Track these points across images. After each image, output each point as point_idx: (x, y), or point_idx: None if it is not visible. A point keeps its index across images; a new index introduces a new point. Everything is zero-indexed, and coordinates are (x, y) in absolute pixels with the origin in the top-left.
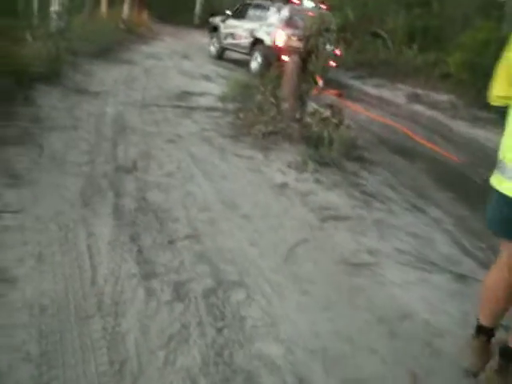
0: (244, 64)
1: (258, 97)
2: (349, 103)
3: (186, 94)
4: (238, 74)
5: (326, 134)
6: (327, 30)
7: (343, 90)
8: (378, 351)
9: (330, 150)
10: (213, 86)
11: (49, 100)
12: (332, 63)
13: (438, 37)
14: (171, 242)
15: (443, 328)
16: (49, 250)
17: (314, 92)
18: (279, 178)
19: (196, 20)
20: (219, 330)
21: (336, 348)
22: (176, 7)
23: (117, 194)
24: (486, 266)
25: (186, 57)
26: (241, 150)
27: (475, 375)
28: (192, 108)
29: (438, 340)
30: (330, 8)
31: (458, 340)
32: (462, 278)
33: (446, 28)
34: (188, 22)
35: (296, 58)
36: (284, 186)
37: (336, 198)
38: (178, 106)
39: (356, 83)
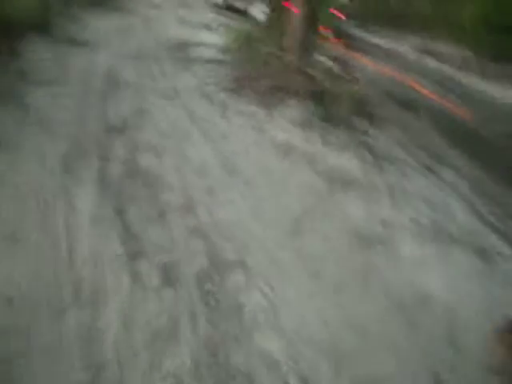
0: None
1: (263, 48)
2: (357, 55)
3: (185, 45)
4: (241, 23)
5: (335, 90)
6: None
7: (351, 41)
8: (395, 346)
9: (338, 107)
10: (214, 37)
11: (37, 52)
12: (341, 15)
13: None
14: (162, 215)
15: (467, 316)
16: (23, 228)
17: (320, 41)
18: (284, 138)
19: None
20: (214, 324)
21: (347, 341)
22: None
23: (104, 158)
24: (505, 237)
25: (186, 5)
26: (243, 106)
27: (502, 373)
28: (192, 60)
29: (461, 332)
30: None
31: (485, 332)
32: (483, 252)
33: None
34: None
35: (302, 4)
36: (289, 146)
37: (345, 161)
38: (177, 58)
39: (365, 35)
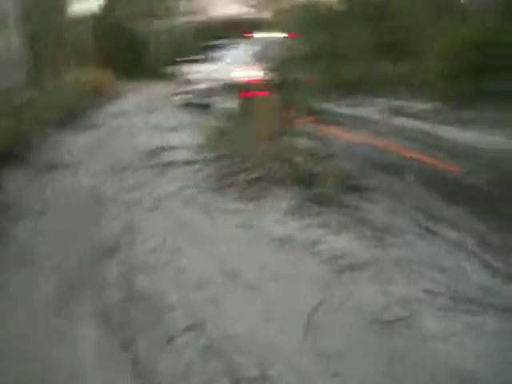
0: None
1: (237, 141)
2: (328, 128)
3: (158, 150)
4: (210, 120)
5: (318, 170)
6: (297, 58)
7: (319, 115)
8: None
9: (324, 187)
10: (184, 137)
11: (17, 181)
12: (307, 90)
13: (407, 46)
14: (171, 340)
15: None
16: None
17: (291, 121)
18: (279, 230)
19: (157, 70)
20: None
21: None
22: (135, 61)
23: (98, 287)
24: None
25: (152, 110)
26: (228, 204)
27: None
28: (167, 164)
29: None
30: (296, 35)
31: None
32: (510, 312)
33: (414, 37)
34: (149, 74)
35: (271, 92)
36: (286, 238)
37: (346, 242)
38: (153, 165)
39: (332, 105)
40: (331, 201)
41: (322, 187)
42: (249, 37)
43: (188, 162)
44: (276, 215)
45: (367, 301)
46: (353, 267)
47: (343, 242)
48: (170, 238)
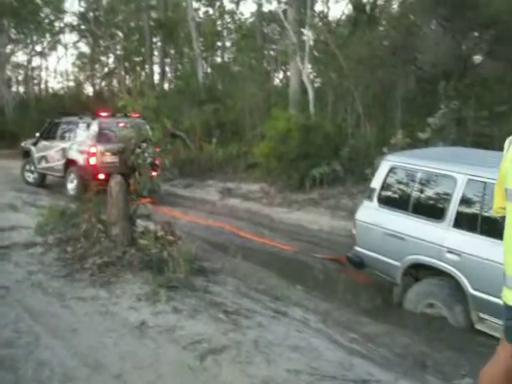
0: (60, 187)
1: (83, 225)
2: (165, 209)
3: None
4: (53, 200)
5: (166, 254)
6: (144, 141)
7: (158, 196)
8: None
9: (175, 272)
10: (23, 217)
11: None
12: (153, 173)
13: (236, 129)
14: None
15: None
16: None
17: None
18: (134, 317)
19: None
20: None
21: None
22: None
23: None
24: (373, 360)
25: None
26: (81, 290)
27: None
28: (8, 247)
29: None
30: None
31: None
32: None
33: (242, 120)
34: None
35: (119, 177)
36: (143, 324)
37: (203, 326)
38: None
39: (165, 187)
40: (182, 285)
41: (171, 271)
42: (100, 116)
43: (31, 245)
44: (130, 301)
45: (234, 383)
46: (213, 351)
47: (200, 326)
48: (24, 329)
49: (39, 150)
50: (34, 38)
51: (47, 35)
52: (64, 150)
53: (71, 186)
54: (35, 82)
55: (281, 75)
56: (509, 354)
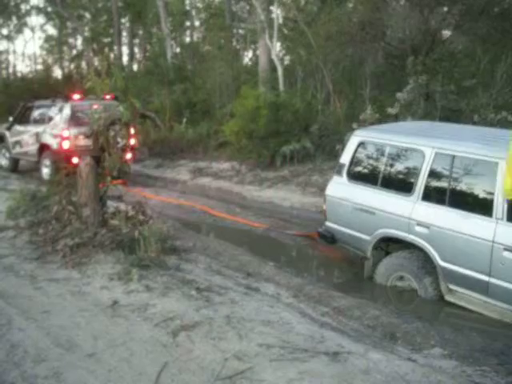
0: (32, 172)
1: (54, 207)
2: (136, 190)
3: None
4: (23, 184)
5: (137, 234)
6: (114, 122)
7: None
8: None
9: (146, 251)
10: None
11: None
12: (128, 156)
13: (206, 109)
14: None
15: None
16: None
17: (105, 184)
18: (107, 296)
19: None
20: None
21: None
22: None
23: None
24: (344, 333)
25: None
26: (53, 272)
27: None
28: None
29: None
30: (114, 97)
31: None
32: (335, 356)
33: (212, 99)
34: None
35: (88, 159)
36: (115, 304)
37: (175, 304)
38: None
39: (136, 167)
40: (154, 263)
41: (144, 250)
42: (75, 100)
43: (2, 228)
44: (102, 281)
45: (206, 358)
46: (186, 327)
47: (172, 303)
48: None
49: (13, 135)
50: (0, 21)
51: (13, 18)
52: (37, 135)
53: (46, 170)
54: (3, 66)
55: (250, 54)
56: None
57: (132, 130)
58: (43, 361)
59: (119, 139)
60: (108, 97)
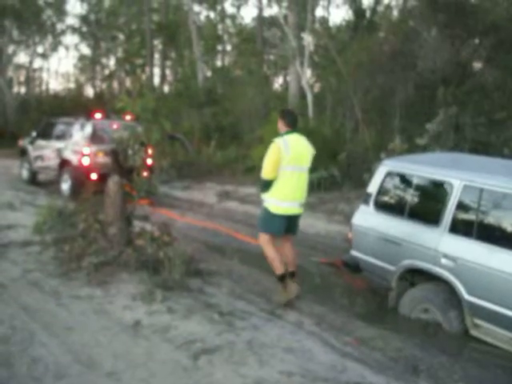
0: (55, 187)
1: (81, 224)
2: (162, 211)
3: None
4: (50, 200)
5: (162, 255)
6: (141, 143)
7: (156, 198)
8: None
9: (170, 272)
10: (21, 216)
11: None
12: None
13: (234, 133)
14: None
15: None
16: None
17: (132, 204)
18: (129, 316)
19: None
20: None
21: None
22: None
23: None
24: (366, 363)
25: None
26: (77, 289)
27: None
28: (5, 246)
29: None
30: (134, 118)
31: None
32: None
33: (241, 123)
34: None
35: (116, 177)
36: (137, 324)
37: (197, 327)
38: None
39: (164, 188)
40: (178, 285)
41: (167, 272)
42: (97, 119)
43: (28, 243)
44: (125, 301)
45: (227, 383)
46: (207, 351)
47: (194, 326)
48: (19, 325)
49: (35, 149)
50: (36, 40)
51: (49, 37)
52: (59, 150)
53: (65, 185)
54: (36, 83)
55: (280, 80)
56: None
57: (149, 150)
58: (63, 377)
59: (137, 159)
60: (128, 117)
